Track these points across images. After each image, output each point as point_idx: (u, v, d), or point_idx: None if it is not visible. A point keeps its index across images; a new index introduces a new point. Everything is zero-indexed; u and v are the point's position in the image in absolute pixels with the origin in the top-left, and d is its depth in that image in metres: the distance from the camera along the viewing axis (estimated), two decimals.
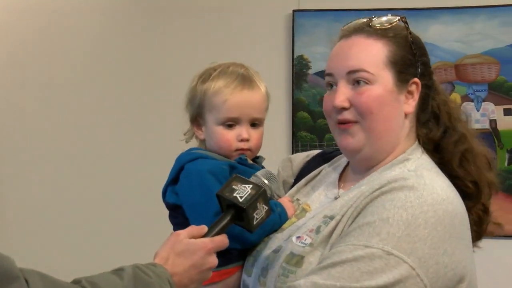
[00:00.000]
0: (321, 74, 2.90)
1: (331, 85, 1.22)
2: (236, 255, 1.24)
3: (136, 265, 1.04)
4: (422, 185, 1.12)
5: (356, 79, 1.17)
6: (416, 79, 1.20)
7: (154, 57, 2.96)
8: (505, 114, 2.71)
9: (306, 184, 1.32)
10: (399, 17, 1.21)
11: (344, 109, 1.18)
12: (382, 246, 1.06)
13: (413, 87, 1.20)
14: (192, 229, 1.10)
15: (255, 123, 1.30)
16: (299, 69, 2.82)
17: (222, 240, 1.09)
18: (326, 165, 1.33)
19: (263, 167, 1.32)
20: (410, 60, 1.19)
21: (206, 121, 1.32)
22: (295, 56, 2.86)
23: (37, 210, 2.93)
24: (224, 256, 1.16)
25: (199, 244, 1.07)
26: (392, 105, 1.18)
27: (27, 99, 2.95)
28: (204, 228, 1.09)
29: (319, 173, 1.33)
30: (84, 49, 2.96)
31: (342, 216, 1.14)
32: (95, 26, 2.96)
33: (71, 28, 2.97)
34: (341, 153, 1.31)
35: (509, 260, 2.49)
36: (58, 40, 2.96)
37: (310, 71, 2.86)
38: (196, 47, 2.93)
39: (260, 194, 1.10)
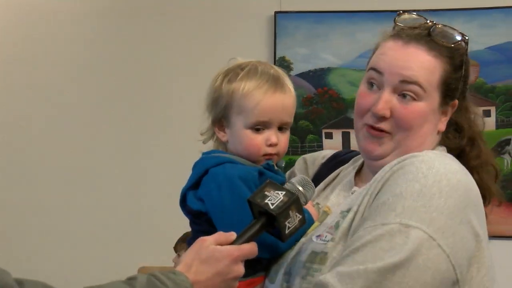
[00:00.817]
0: (303, 75, 2.92)
1: (371, 84, 1.17)
2: (264, 264, 1.18)
3: (152, 273, 0.99)
4: (433, 157, 1.10)
5: (405, 91, 1.14)
6: (456, 101, 1.18)
7: (137, 58, 2.94)
8: (484, 116, 2.74)
9: (325, 188, 1.28)
10: (462, 37, 1.17)
11: (383, 117, 1.14)
12: (399, 220, 1.03)
13: (449, 107, 1.18)
14: (220, 235, 1.04)
15: (282, 127, 1.24)
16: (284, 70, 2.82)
17: (250, 248, 1.03)
18: (344, 166, 1.30)
19: (284, 172, 1.28)
20: (457, 83, 1.18)
21: (232, 123, 1.23)
22: (277, 58, 2.87)
23: (24, 211, 2.90)
24: (252, 265, 1.10)
25: (225, 252, 1.01)
26: (431, 123, 1.16)
27: (14, 100, 2.92)
28: (232, 235, 1.03)
29: (337, 175, 1.29)
30: (72, 50, 2.94)
31: (359, 206, 1.12)
32: (84, 28, 2.94)
33: (58, 30, 2.94)
34: (354, 155, 1.29)
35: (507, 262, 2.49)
36: (43, 41, 2.94)
37: (292, 73, 2.87)
38: (178, 49, 2.92)
39: (293, 201, 1.04)
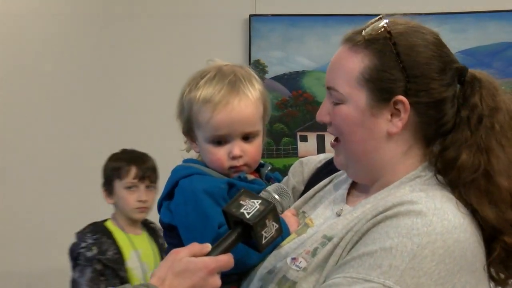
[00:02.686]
0: (278, 78, 2.92)
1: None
2: (234, 279, 1.13)
3: (125, 286, 0.97)
4: (432, 209, 0.99)
5: (332, 97, 1.09)
6: (400, 97, 1.04)
7: (110, 60, 2.92)
8: None
9: (314, 195, 1.20)
10: (383, 27, 1.06)
11: (328, 123, 1.10)
12: (383, 281, 0.95)
13: (399, 106, 1.05)
14: (194, 246, 1.00)
15: (248, 137, 1.16)
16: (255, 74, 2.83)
17: (227, 260, 0.99)
18: (337, 174, 1.20)
19: (270, 178, 1.22)
20: (392, 75, 1.05)
21: (196, 136, 1.18)
22: (251, 61, 2.87)
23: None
24: (222, 279, 1.04)
25: (200, 264, 0.97)
26: (365, 126, 1.06)
27: None
28: (207, 247, 0.99)
29: (329, 182, 1.20)
30: (33, 52, 2.91)
31: (341, 239, 1.03)
32: (47, 29, 2.91)
33: (18, 31, 2.90)
34: None
35: None
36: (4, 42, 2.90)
37: (267, 76, 2.88)
38: (153, 52, 2.91)
39: (270, 210, 1.00)
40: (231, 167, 1.17)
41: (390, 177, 1.08)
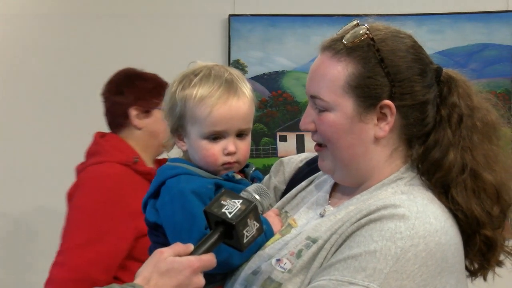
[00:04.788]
0: (257, 78, 2.93)
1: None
2: (219, 278, 1.15)
3: (111, 286, 0.98)
4: (414, 213, 1.01)
5: (316, 105, 1.09)
6: (387, 102, 1.07)
7: (88, 59, 2.89)
8: None
9: (296, 195, 1.21)
10: (365, 34, 1.07)
11: (313, 131, 1.10)
12: (367, 284, 0.98)
13: (385, 110, 1.07)
14: (178, 246, 1.01)
15: (241, 134, 1.19)
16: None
17: (209, 259, 1.01)
18: (318, 173, 1.21)
19: (254, 178, 1.23)
20: (378, 81, 1.06)
21: (188, 133, 1.19)
22: (231, 61, 2.87)
23: None
24: (206, 277, 1.05)
25: (185, 263, 0.99)
26: (353, 132, 1.07)
27: None
28: (190, 246, 1.01)
29: (311, 182, 1.21)
30: (21, 51, 2.87)
31: (326, 241, 1.05)
32: (30, 29, 2.88)
33: (7, 31, 2.87)
34: None
35: None
36: None
37: (247, 76, 2.88)
38: (133, 51, 2.89)
39: (251, 210, 1.02)
40: (224, 164, 1.18)
41: (375, 179, 1.10)
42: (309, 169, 1.25)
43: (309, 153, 1.30)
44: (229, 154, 1.18)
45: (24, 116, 2.87)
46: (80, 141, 2.82)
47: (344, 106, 1.07)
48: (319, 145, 1.12)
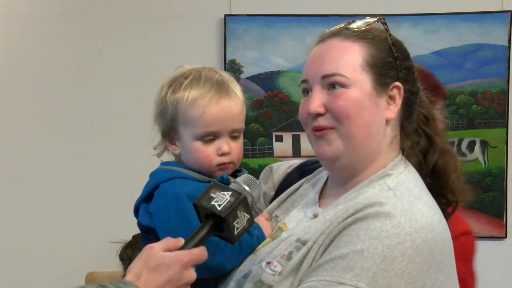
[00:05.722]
0: (253, 78, 2.93)
1: (307, 92, 1.13)
2: (211, 283, 1.15)
3: (101, 283, 0.97)
4: (399, 210, 1.03)
5: (332, 83, 1.09)
6: (397, 83, 1.11)
7: (87, 61, 2.89)
8: None
9: (286, 199, 1.22)
10: (377, 18, 1.13)
11: (319, 115, 1.09)
12: (356, 283, 0.98)
13: (394, 92, 1.11)
14: (167, 241, 1.01)
15: (234, 134, 1.20)
16: (231, 74, 2.83)
17: (200, 253, 1.00)
18: (307, 177, 1.23)
19: None
20: (390, 63, 1.11)
21: (180, 136, 1.19)
22: (227, 61, 2.87)
23: None
24: (199, 282, 1.04)
25: (175, 257, 0.98)
26: (371, 109, 1.09)
27: None
28: (180, 241, 1.01)
29: (299, 186, 1.22)
30: (19, 52, 2.87)
31: (314, 242, 1.06)
32: (26, 30, 2.88)
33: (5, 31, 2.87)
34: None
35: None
36: None
37: (242, 76, 2.88)
38: (127, 51, 2.89)
39: (241, 201, 1.01)
40: (219, 164, 1.19)
41: (370, 170, 1.11)
42: (298, 173, 1.26)
43: (298, 160, 1.32)
44: (223, 154, 1.18)
45: (30, 116, 2.86)
46: (81, 141, 2.83)
47: (363, 83, 1.09)
48: (323, 129, 1.11)
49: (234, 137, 1.20)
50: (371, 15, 1.16)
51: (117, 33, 2.89)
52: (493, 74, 2.84)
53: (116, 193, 2.74)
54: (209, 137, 1.18)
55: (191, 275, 1.00)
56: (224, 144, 1.18)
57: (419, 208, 1.05)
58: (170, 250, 1.00)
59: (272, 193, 1.28)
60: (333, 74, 1.10)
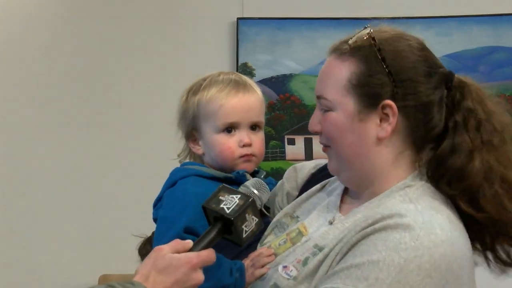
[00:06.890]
0: (265, 81, 2.94)
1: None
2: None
3: (110, 284, 0.98)
4: (419, 223, 1.00)
5: (321, 105, 1.11)
6: (388, 102, 1.06)
7: (98, 63, 2.91)
8: None
9: (307, 200, 1.21)
10: (367, 33, 1.09)
11: (319, 132, 1.12)
12: None
13: (387, 110, 1.07)
14: (176, 243, 1.02)
15: (255, 127, 1.23)
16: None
17: (208, 255, 1.01)
18: (331, 178, 1.21)
19: (267, 183, 1.21)
20: (379, 80, 1.07)
21: (203, 132, 1.23)
22: (239, 64, 2.88)
23: None
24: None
25: (183, 259, 0.99)
26: (355, 130, 1.07)
27: None
28: (189, 243, 1.02)
29: (323, 187, 1.22)
30: (24, 53, 2.89)
31: (331, 250, 1.05)
32: (42, 33, 2.90)
33: (15, 34, 2.89)
34: None
35: None
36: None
37: (254, 79, 2.88)
38: (140, 55, 2.90)
39: (249, 204, 1.02)
40: (241, 156, 1.22)
41: (381, 185, 1.10)
42: (322, 174, 1.25)
43: (322, 159, 1.30)
44: (244, 146, 1.21)
45: (32, 117, 2.88)
46: (82, 142, 2.85)
47: (345, 104, 1.08)
48: (326, 146, 1.14)
49: (254, 130, 1.24)
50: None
51: (128, 35, 2.91)
52: (506, 77, 2.82)
53: (132, 195, 2.76)
54: (229, 128, 1.22)
55: (199, 277, 1.00)
56: (245, 135, 1.21)
57: (439, 222, 1.02)
58: (178, 252, 1.01)
59: (296, 193, 1.27)
60: (319, 97, 1.12)
